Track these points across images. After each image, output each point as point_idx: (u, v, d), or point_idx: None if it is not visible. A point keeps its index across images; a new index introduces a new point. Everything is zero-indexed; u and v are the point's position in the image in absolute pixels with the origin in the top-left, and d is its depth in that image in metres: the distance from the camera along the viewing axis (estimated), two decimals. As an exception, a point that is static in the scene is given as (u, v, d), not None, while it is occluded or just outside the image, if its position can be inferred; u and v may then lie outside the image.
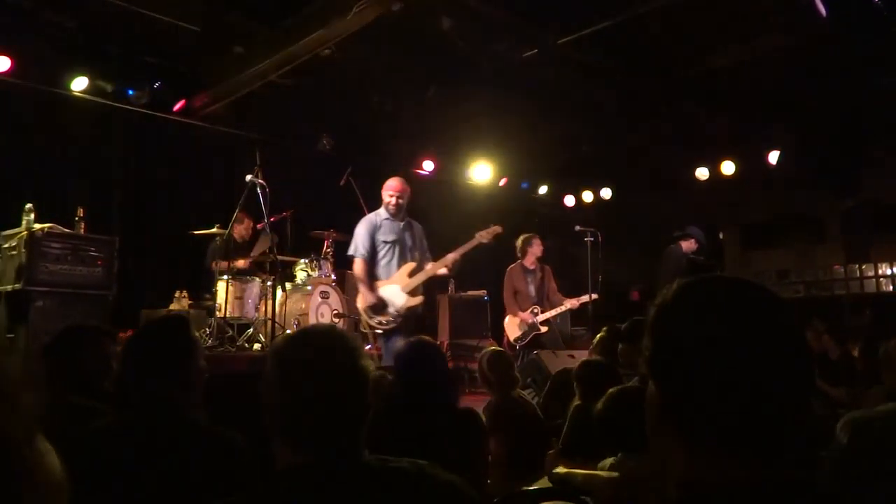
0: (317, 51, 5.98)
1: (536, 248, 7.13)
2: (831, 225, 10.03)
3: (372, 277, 5.09)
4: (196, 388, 2.01)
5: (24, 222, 5.40)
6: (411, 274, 5.10)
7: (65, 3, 5.65)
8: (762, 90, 7.36)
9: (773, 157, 8.43)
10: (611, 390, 2.39)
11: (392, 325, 5.00)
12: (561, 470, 2.31)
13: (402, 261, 5.11)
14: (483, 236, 5.30)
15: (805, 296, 10.05)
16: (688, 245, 7.54)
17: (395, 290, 5.05)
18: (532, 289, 7.02)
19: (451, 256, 5.16)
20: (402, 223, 5.17)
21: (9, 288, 5.26)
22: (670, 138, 8.56)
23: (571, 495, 2.17)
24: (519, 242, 7.18)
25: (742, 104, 7.72)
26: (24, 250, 5.20)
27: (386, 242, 5.10)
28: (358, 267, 5.07)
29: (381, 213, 5.17)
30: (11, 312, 5.15)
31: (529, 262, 7.11)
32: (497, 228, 5.39)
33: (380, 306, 4.99)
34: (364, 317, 5.09)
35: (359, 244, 5.08)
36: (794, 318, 0.91)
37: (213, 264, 6.44)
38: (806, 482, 0.85)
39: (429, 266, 5.19)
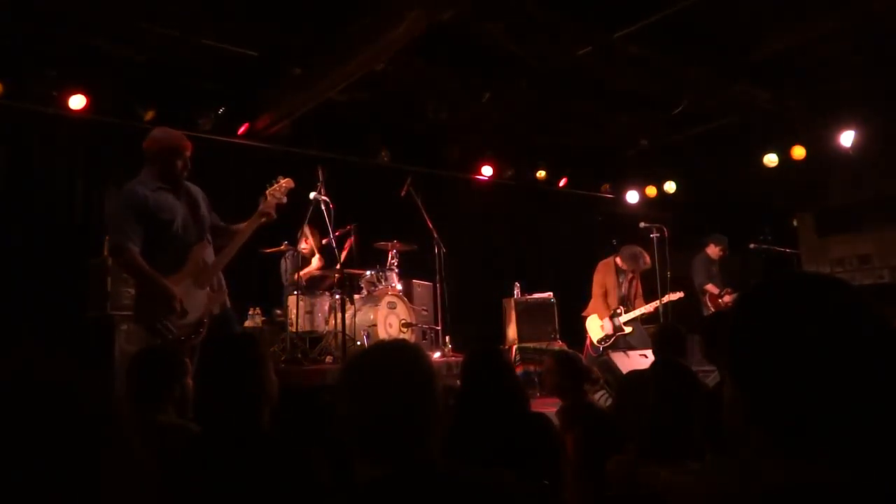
0: (371, 66, 6.08)
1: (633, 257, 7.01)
2: (914, 205, 9.49)
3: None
4: (269, 401, 2.05)
5: (105, 249, 5.68)
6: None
7: (133, 39, 5.92)
8: (828, 70, 7.05)
9: (846, 138, 8.06)
10: (712, 387, 2.32)
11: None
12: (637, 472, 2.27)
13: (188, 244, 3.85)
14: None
15: (890, 281, 9.55)
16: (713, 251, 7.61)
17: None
18: (622, 289, 6.99)
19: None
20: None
21: (96, 314, 5.54)
22: (735, 126, 8.30)
23: (650, 499, 2.12)
24: (620, 246, 7.17)
25: (808, 86, 7.42)
26: (108, 277, 5.48)
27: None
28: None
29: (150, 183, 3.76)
30: (98, 337, 5.42)
31: (623, 262, 7.06)
32: (286, 183, 4.30)
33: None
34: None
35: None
36: (882, 312, 0.88)
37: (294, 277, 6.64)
38: None
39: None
